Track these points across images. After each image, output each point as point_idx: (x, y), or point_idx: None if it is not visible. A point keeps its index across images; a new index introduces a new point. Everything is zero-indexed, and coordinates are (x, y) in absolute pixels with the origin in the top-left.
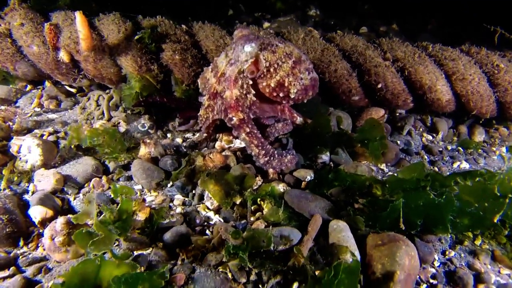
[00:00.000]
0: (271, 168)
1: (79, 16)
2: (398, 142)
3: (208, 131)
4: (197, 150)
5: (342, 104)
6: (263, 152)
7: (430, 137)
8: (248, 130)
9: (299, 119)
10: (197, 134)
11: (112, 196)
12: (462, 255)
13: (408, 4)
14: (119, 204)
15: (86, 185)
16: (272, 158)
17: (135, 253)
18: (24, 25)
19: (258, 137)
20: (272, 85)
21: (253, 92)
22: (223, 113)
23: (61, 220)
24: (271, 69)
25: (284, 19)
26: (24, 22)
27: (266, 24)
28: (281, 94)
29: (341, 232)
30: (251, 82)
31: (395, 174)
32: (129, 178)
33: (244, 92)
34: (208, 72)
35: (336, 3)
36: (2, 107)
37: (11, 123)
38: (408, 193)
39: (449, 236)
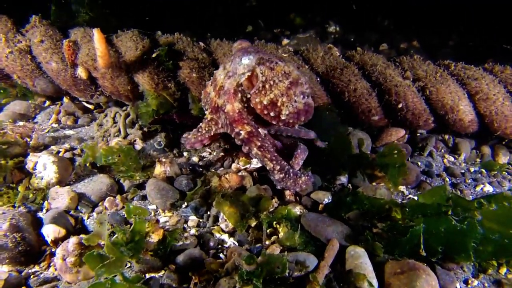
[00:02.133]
0: (285, 187)
1: (96, 33)
2: (419, 163)
3: (203, 143)
4: (212, 170)
5: (361, 124)
6: (278, 167)
7: (452, 159)
8: (259, 143)
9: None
10: (214, 153)
11: (126, 216)
12: (486, 284)
13: (429, 19)
14: (132, 225)
15: (100, 203)
16: (287, 176)
17: (147, 275)
18: (44, 42)
19: (270, 151)
20: (265, 102)
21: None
22: (228, 127)
23: (73, 240)
24: (266, 85)
25: (303, 36)
26: (43, 39)
27: (285, 41)
28: (271, 114)
29: (359, 259)
30: (249, 96)
31: (416, 198)
32: (144, 198)
33: (246, 105)
34: (209, 86)
35: (355, 18)
36: (20, 123)
37: (28, 139)
38: (429, 218)
39: (472, 264)
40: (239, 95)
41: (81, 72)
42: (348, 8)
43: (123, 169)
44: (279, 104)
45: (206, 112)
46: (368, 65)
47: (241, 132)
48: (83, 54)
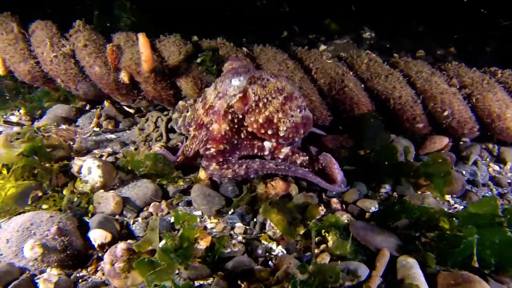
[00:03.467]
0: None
1: (142, 38)
2: (464, 172)
3: (185, 161)
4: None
5: (405, 131)
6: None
7: (497, 168)
8: (220, 159)
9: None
10: None
11: (174, 223)
12: None
13: (465, 25)
14: (181, 232)
15: (145, 209)
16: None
17: (196, 283)
18: (88, 46)
19: (230, 165)
20: (260, 120)
21: (246, 125)
22: (202, 143)
23: (121, 245)
24: (260, 104)
25: (340, 41)
26: (87, 43)
27: (322, 47)
28: (269, 132)
29: (411, 269)
30: (241, 117)
31: (462, 208)
32: (189, 204)
33: (236, 126)
34: (198, 103)
35: (388, 24)
36: (63, 126)
37: (71, 143)
38: (482, 230)
39: None
40: (229, 116)
41: (124, 77)
42: (381, 14)
43: (159, 175)
44: (275, 121)
45: (190, 129)
46: (413, 72)
47: (212, 148)
48: (126, 58)
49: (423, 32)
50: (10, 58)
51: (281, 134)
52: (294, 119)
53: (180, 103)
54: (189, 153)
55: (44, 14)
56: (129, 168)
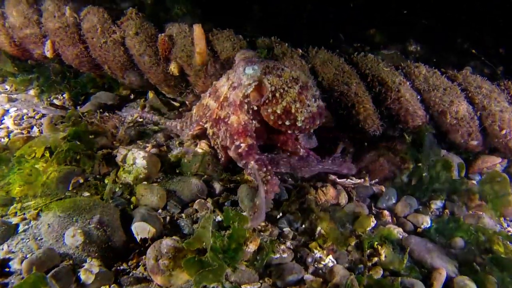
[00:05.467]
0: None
1: (197, 29)
2: None
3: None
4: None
5: (457, 147)
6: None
7: None
8: (257, 156)
9: (302, 151)
10: None
11: (224, 222)
12: None
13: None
14: (231, 232)
15: (190, 205)
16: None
17: (243, 287)
18: (139, 34)
19: (266, 163)
20: (278, 111)
21: (258, 118)
22: (228, 140)
23: (168, 241)
24: (277, 94)
25: (388, 52)
26: (138, 32)
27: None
28: (287, 122)
29: None
30: (256, 108)
31: None
32: (235, 203)
33: (252, 117)
34: (206, 99)
35: (433, 37)
36: (107, 114)
37: (114, 131)
38: None
39: None
40: (245, 106)
41: (173, 68)
42: (426, 28)
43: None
44: (293, 111)
45: (207, 125)
46: (472, 86)
47: (241, 144)
48: (178, 49)
49: (468, 49)
50: (59, 41)
51: (299, 124)
52: (311, 108)
53: None
54: (220, 151)
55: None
56: (177, 171)
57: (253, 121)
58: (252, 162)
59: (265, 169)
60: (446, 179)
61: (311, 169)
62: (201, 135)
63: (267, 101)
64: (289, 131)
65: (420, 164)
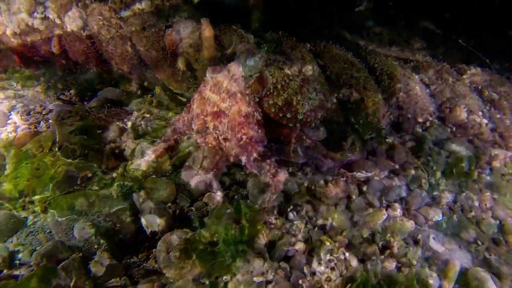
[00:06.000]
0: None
1: (205, 23)
2: None
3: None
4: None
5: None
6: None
7: None
8: (260, 148)
9: (308, 142)
10: None
11: (234, 215)
12: None
13: None
14: (243, 224)
15: (199, 198)
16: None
17: (255, 279)
18: (146, 29)
19: (269, 155)
20: (280, 103)
21: (259, 111)
22: (229, 133)
23: (178, 234)
24: (278, 86)
25: (396, 49)
26: (145, 27)
27: None
28: (288, 115)
29: (485, 283)
30: (257, 100)
31: None
32: (245, 197)
33: (253, 109)
34: (206, 92)
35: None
36: (114, 109)
37: (121, 126)
38: None
39: None
40: (247, 98)
41: (180, 63)
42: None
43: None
44: (294, 103)
45: (207, 119)
46: (481, 80)
47: (242, 137)
48: (185, 44)
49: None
50: (66, 36)
51: (300, 117)
52: (312, 101)
53: None
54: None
55: None
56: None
57: (255, 113)
58: (255, 154)
59: (268, 161)
60: (457, 172)
61: (323, 161)
62: (205, 129)
63: (268, 93)
64: (290, 124)
65: (429, 158)
